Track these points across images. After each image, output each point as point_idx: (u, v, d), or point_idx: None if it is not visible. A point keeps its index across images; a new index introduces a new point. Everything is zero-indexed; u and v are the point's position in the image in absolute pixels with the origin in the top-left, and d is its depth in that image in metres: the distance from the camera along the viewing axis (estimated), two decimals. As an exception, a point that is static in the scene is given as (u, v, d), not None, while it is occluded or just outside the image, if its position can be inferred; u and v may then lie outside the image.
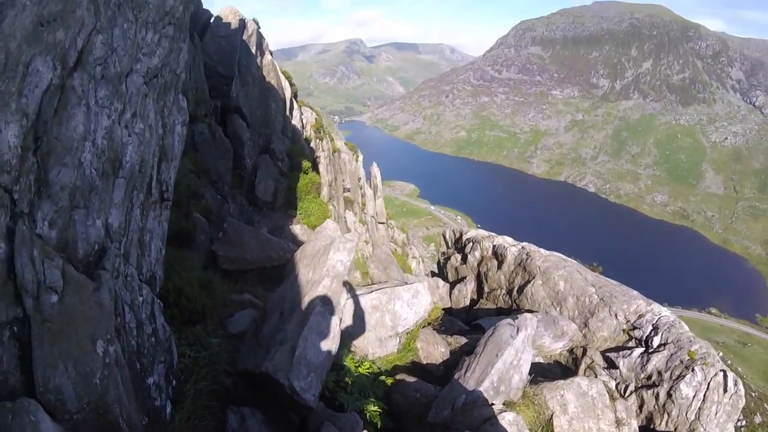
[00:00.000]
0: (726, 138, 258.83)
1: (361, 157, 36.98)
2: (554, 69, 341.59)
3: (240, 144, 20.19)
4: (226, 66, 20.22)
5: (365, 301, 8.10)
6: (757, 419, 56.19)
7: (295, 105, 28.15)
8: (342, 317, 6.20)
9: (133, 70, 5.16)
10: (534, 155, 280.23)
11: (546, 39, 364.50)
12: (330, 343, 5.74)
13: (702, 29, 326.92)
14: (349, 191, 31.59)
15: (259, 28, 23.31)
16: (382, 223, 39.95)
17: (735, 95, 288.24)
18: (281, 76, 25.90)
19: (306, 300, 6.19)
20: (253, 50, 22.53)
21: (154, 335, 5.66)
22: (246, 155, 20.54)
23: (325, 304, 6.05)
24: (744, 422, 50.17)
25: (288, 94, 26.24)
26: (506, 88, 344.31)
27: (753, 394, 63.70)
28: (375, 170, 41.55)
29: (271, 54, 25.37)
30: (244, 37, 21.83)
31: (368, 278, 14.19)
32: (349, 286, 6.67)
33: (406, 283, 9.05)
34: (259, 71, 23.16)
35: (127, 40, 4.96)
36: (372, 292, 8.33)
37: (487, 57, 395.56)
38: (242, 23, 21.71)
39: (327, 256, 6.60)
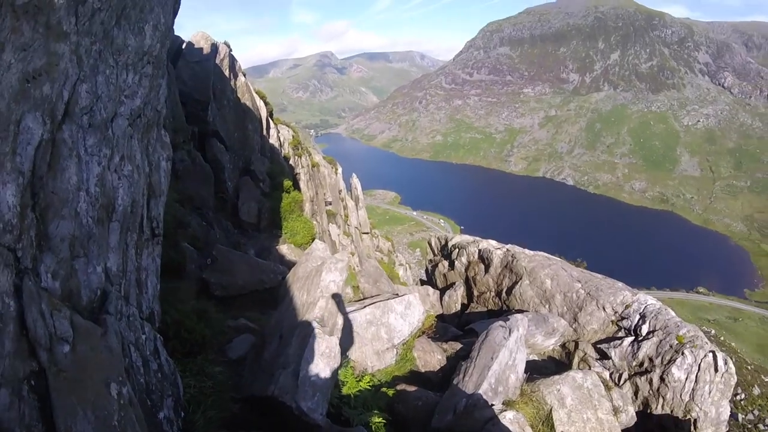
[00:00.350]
0: (698, 121, 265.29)
1: (340, 170, 37.13)
2: (524, 67, 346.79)
3: (220, 168, 20.23)
4: (201, 91, 20.26)
5: (360, 317, 8.26)
6: (756, 391, 57.05)
7: (272, 124, 28.24)
8: (340, 336, 6.36)
9: (118, 114, 5.25)
10: (511, 154, 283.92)
11: (514, 39, 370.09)
12: (331, 362, 5.90)
13: (666, 17, 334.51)
14: (330, 204, 31.68)
15: (230, 50, 23.40)
16: (367, 233, 40.07)
17: (704, 78, 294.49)
18: (256, 96, 26.00)
19: (304, 322, 6.35)
20: (227, 73, 22.62)
21: (160, 371, 5.75)
22: (227, 178, 20.58)
23: (323, 325, 6.21)
24: (743, 395, 50.85)
25: (264, 113, 26.34)
26: (478, 90, 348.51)
27: (749, 367, 64.70)
28: (355, 181, 41.73)
29: (245, 75, 25.46)
30: (217, 61, 21.89)
31: (359, 293, 14.37)
32: (342, 304, 6.84)
33: (398, 295, 9.24)
34: (233, 94, 23.25)
35: (110, 86, 5.05)
36: (365, 307, 8.50)
37: (457, 61, 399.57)
38: (214, 47, 21.80)
39: (320, 278, 6.77)
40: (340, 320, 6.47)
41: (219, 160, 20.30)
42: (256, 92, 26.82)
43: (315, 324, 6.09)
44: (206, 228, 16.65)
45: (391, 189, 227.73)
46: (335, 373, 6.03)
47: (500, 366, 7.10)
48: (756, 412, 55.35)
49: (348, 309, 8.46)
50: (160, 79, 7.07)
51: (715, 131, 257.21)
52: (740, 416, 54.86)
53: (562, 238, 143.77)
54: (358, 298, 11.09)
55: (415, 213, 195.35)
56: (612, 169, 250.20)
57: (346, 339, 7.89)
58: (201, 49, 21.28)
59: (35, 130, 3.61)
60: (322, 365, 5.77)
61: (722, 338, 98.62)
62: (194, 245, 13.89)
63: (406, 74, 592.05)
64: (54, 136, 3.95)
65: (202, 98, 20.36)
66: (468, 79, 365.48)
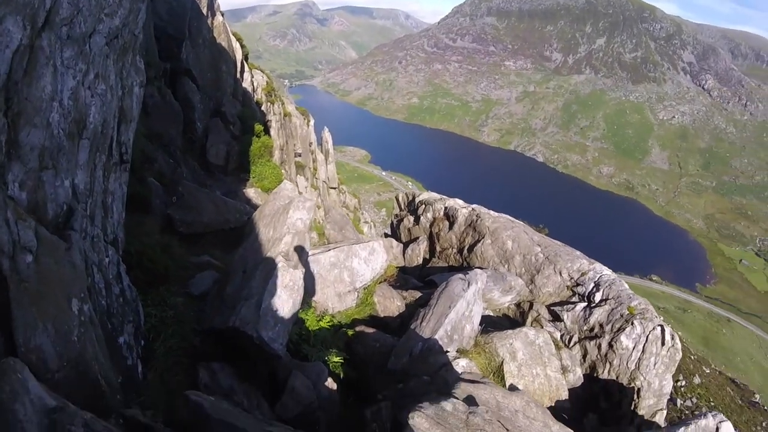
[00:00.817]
0: (674, 116, 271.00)
1: (312, 122, 36.54)
2: (508, 40, 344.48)
3: (191, 107, 19.75)
4: (177, 27, 19.53)
5: (324, 259, 8.40)
6: (696, 380, 60.28)
7: (246, 68, 27.52)
8: (304, 272, 6.48)
9: (96, 31, 5.11)
10: (485, 124, 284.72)
11: (502, 10, 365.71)
12: (294, 295, 6.04)
13: (657, 11, 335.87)
14: (300, 156, 31.35)
15: None
16: (334, 188, 39.98)
17: (685, 77, 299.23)
18: (232, 37, 25.21)
19: (268, 257, 6.44)
20: (204, 11, 21.81)
21: (122, 295, 5.78)
22: (197, 119, 20.12)
23: (288, 259, 6.32)
24: (684, 382, 53.81)
25: (239, 56, 25.63)
26: (460, 57, 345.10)
27: (692, 357, 68.26)
28: (326, 135, 41.18)
29: (222, 15, 24.60)
30: None
31: (324, 239, 14.47)
32: (307, 242, 6.94)
33: (363, 242, 9.41)
34: (209, 33, 22.47)
35: (91, 0, 4.91)
36: (330, 250, 8.65)
37: (442, 25, 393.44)
38: None
39: (287, 215, 6.84)
40: (304, 256, 6.58)
41: (190, 100, 19.79)
42: (233, 34, 25.99)
43: (280, 258, 6.19)
44: (173, 165, 16.35)
45: (362, 147, 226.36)
46: (298, 307, 6.19)
47: (457, 315, 7.40)
48: (694, 400, 58.95)
49: (313, 252, 8.56)
50: (140, 2, 6.87)
51: (689, 129, 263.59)
52: (679, 401, 58.26)
53: (526, 209, 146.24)
54: (323, 244, 11.22)
55: (384, 173, 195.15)
56: (583, 151, 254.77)
57: (309, 279, 8.03)
58: (178, -16, 20.37)
59: (15, 34, 3.54)
60: (285, 297, 5.90)
61: (669, 326, 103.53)
62: (160, 181, 13.66)
63: (388, 32, 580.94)
64: (33, 42, 3.87)
65: (177, 35, 19.67)
66: (450, 44, 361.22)
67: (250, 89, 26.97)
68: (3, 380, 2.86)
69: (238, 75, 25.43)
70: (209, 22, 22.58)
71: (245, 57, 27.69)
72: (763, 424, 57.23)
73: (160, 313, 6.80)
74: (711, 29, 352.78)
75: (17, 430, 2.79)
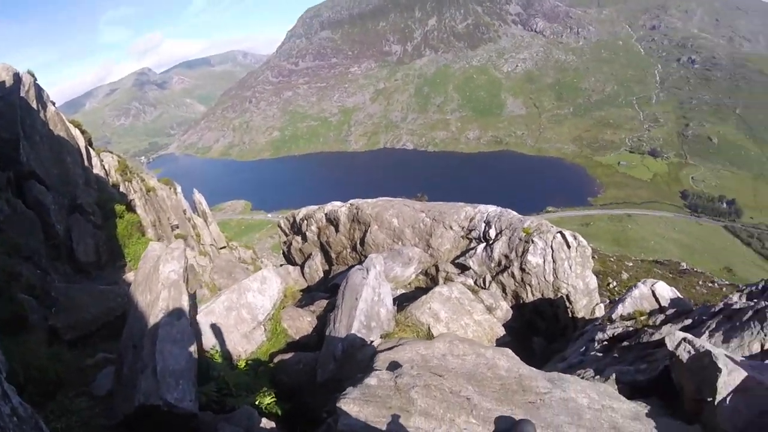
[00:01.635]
0: (517, 66, 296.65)
1: (179, 189, 34.94)
2: (347, 47, 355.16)
3: (45, 211, 18.10)
4: (9, 129, 17.84)
5: (218, 307, 8.03)
6: (624, 276, 63.52)
7: (93, 153, 25.76)
8: (189, 319, 6.10)
9: None
10: (350, 133, 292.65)
11: (334, 21, 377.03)
12: (186, 347, 5.65)
13: None
14: (178, 228, 29.89)
15: (35, 80, 20.79)
16: (224, 247, 38.63)
17: (517, 27, 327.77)
18: (70, 125, 23.51)
19: (151, 320, 5.98)
20: (35, 105, 20.12)
21: (14, 414, 5.17)
22: (54, 221, 18.48)
23: (170, 314, 5.90)
24: (615, 283, 56.63)
25: (82, 142, 23.94)
26: (306, 78, 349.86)
27: (612, 258, 72.83)
28: (198, 197, 39.44)
29: (54, 104, 22.85)
30: (22, 94, 19.36)
31: (216, 290, 13.92)
32: (184, 287, 6.52)
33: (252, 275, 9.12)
34: (45, 126, 20.76)
35: None
36: (221, 295, 8.32)
37: (280, 52, 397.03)
38: (17, 78, 19.21)
39: (158, 272, 6.41)
40: (186, 304, 6.18)
41: (42, 203, 18.13)
42: (70, 121, 24.24)
43: (161, 315, 5.77)
44: (42, 275, 14.90)
45: (240, 197, 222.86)
46: (194, 356, 5.79)
47: (366, 303, 7.31)
48: (631, 291, 62.78)
49: (205, 305, 8.19)
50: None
51: (534, 72, 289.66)
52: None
53: (408, 194, 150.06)
54: (216, 294, 10.78)
55: (270, 215, 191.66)
56: (446, 126, 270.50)
57: (208, 333, 7.61)
58: (3, 82, 18.64)
59: None
60: (177, 351, 5.50)
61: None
62: (32, 295, 12.47)
63: (230, 76, 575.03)
64: None
65: (10, 136, 17.95)
66: (294, 68, 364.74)
67: (102, 174, 25.28)
68: None
69: (86, 162, 23.75)
70: (42, 115, 20.86)
71: (89, 142, 25.93)
72: (700, 282, 61.85)
73: (66, 421, 6.35)
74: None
75: None
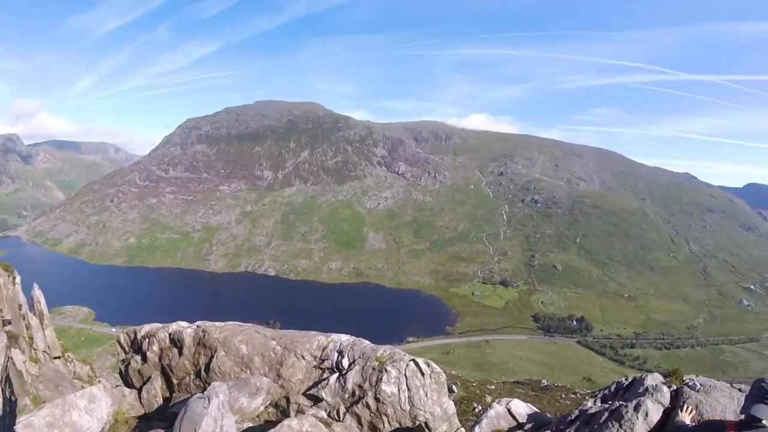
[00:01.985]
0: (379, 203, 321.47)
1: (18, 280, 29.96)
2: (220, 165, 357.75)
3: None
4: None
5: (37, 421, 6.67)
6: (488, 399, 63.10)
7: None
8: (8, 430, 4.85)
9: None
10: (210, 252, 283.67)
11: (212, 136, 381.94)
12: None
13: (350, 120, 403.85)
14: (10, 323, 25.12)
15: None
16: (58, 357, 32.97)
17: (382, 169, 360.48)
18: None
19: None
20: None
21: None
22: None
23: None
24: (479, 407, 55.92)
25: None
26: (174, 188, 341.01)
27: (474, 384, 73.32)
28: (37, 294, 33.77)
29: None
30: None
31: (40, 402, 11.56)
32: (14, 409, 5.23)
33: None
34: None
35: None
36: (44, 408, 6.94)
37: (153, 156, 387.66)
38: None
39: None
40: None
41: None
42: None
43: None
44: None
45: (83, 304, 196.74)
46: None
47: (204, 437, 6.38)
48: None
49: (25, 417, 6.75)
50: None
51: (394, 210, 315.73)
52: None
53: (264, 319, 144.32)
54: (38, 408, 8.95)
55: (114, 330, 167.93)
56: (309, 254, 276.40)
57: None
58: None
59: None
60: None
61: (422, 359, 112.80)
62: None
63: (98, 168, 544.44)
64: None
65: None
66: (163, 176, 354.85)
67: None
68: None
69: None
70: None
71: None
72: (563, 395, 63.78)
73: None
74: (396, 125, 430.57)
75: None
